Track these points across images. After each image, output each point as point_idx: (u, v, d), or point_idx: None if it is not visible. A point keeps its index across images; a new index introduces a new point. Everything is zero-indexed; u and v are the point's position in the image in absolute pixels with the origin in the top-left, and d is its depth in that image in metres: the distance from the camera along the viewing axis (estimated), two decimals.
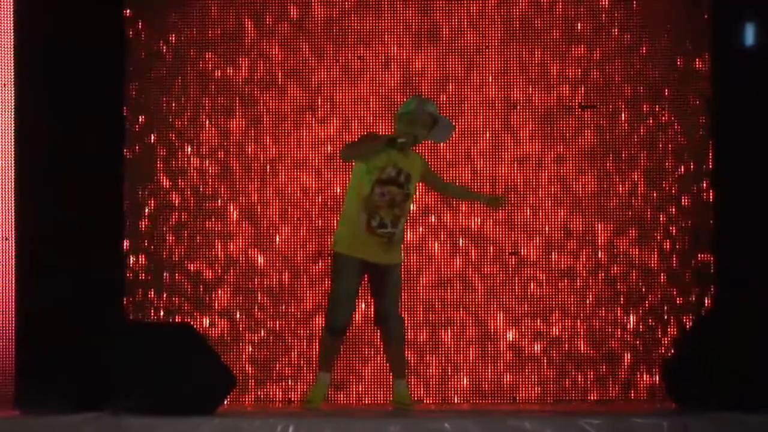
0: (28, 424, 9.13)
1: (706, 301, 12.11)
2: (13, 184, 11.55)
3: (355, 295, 9.44)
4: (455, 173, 12.14)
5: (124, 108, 12.43)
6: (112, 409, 8.67)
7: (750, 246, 11.65)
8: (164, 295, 12.30)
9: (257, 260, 12.39)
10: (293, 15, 12.59)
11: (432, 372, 12.00)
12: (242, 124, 12.49)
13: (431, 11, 12.60)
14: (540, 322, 12.20)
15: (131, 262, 12.30)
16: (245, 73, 12.59)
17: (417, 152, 9.64)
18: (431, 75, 12.54)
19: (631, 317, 12.16)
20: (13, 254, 11.49)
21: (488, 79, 12.53)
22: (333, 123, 12.28)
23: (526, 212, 12.37)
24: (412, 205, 9.77)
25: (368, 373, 11.74)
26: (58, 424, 8.54)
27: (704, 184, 12.24)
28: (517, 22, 12.55)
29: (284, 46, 12.62)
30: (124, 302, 12.19)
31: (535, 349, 12.10)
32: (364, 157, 9.21)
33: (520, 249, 12.23)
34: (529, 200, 12.39)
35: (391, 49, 12.55)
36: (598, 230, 12.36)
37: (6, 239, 11.47)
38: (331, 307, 9.36)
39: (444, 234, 12.29)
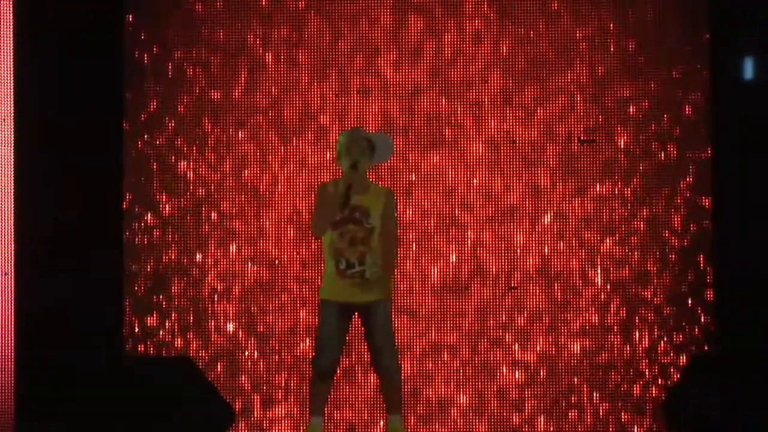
0: None
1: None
2: (12, 185, 11.63)
3: (337, 340, 9.27)
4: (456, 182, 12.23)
5: (123, 109, 12.38)
6: None
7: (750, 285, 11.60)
8: (164, 302, 12.15)
9: (255, 270, 12.24)
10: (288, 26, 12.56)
11: (426, 407, 12.02)
12: (238, 125, 12.46)
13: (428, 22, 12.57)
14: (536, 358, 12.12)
15: (130, 263, 12.18)
16: (243, 78, 12.54)
17: (380, 186, 9.74)
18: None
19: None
20: (13, 256, 11.56)
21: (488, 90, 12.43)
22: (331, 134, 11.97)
23: (522, 233, 12.33)
24: (380, 237, 9.31)
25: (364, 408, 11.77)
26: None
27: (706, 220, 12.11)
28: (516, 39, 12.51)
29: (280, 56, 12.59)
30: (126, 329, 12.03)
31: (527, 390, 12.07)
32: (324, 227, 9.14)
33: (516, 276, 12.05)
34: (524, 220, 12.32)
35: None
36: (597, 263, 12.21)
37: (6, 274, 11.44)
38: (316, 351, 9.38)
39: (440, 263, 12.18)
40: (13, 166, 11.69)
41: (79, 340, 11.59)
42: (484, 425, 12.05)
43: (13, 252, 11.52)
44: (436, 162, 12.28)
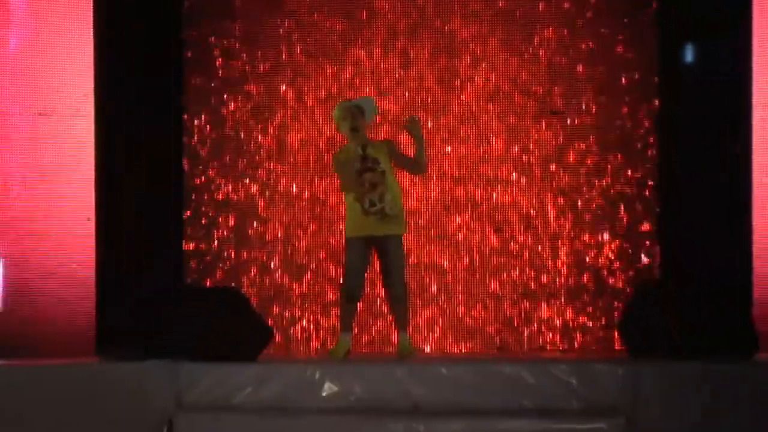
0: (106, 369, 9.97)
1: (652, 266, 13.22)
2: (94, 180, 12.49)
3: (363, 269, 10.80)
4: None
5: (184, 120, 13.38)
6: (174, 357, 9.72)
7: (690, 219, 12.62)
8: (217, 264, 13.49)
9: (291, 237, 13.52)
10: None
11: (430, 324, 13.21)
12: (284, 125, 13.48)
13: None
14: (520, 288, 13.38)
15: (189, 235, 13.40)
16: (288, 83, 13.49)
17: (382, 139, 11.49)
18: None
19: (595, 282, 13.30)
20: (94, 232, 12.42)
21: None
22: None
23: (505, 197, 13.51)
24: (393, 177, 10.82)
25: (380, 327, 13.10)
26: (131, 369, 9.60)
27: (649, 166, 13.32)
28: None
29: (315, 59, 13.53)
30: (184, 269, 13.16)
31: (515, 307, 13.33)
32: (353, 183, 10.56)
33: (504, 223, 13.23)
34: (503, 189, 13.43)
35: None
36: (562, 205, 13.41)
37: (88, 219, 12.29)
38: (345, 279, 10.77)
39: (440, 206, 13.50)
40: (94, 167, 12.38)
41: (147, 270, 12.56)
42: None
43: (94, 200, 12.40)
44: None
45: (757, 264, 11.95)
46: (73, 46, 12.33)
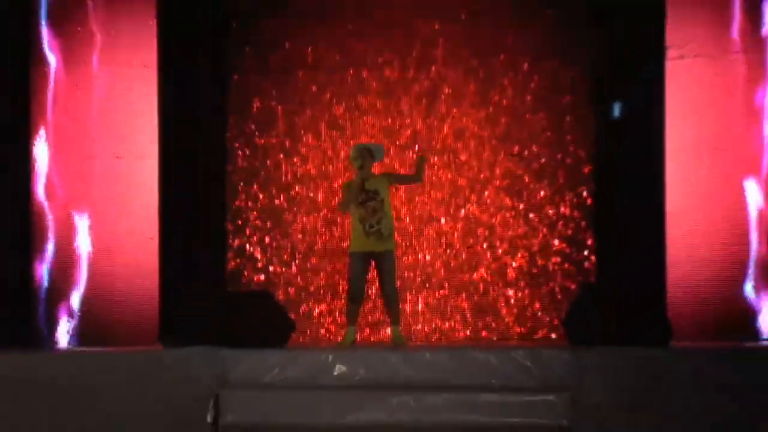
0: (166, 354, 10.04)
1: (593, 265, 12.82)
2: (157, 208, 12.21)
3: (364, 277, 10.85)
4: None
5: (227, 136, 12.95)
6: (218, 345, 9.63)
7: (619, 235, 12.19)
8: (251, 273, 13.03)
9: (309, 251, 13.07)
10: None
11: (419, 320, 12.83)
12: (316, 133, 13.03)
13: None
14: (487, 286, 12.85)
15: (231, 249, 13.05)
16: (307, 125, 13.07)
17: (380, 173, 11.09)
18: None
19: (546, 282, 12.86)
20: (157, 249, 12.20)
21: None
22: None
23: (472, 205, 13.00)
24: (388, 205, 10.82)
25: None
26: (185, 354, 9.54)
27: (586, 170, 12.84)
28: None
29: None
30: (226, 277, 12.92)
31: (484, 301, 12.83)
32: (347, 206, 10.70)
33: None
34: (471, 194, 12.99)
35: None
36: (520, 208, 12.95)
37: (151, 238, 12.22)
38: (349, 285, 10.85)
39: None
40: (157, 157, 12.16)
41: (197, 278, 12.24)
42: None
43: (157, 223, 12.23)
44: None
45: (670, 272, 11.83)
46: (141, 103, 11.98)
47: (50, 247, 11.85)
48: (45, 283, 11.89)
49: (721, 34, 11.73)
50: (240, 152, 12.94)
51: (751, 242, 11.47)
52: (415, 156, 11.25)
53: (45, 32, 11.79)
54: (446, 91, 12.90)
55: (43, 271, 11.86)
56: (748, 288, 11.49)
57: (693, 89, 11.81)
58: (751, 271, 11.48)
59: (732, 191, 11.65)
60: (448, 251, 12.85)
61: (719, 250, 11.65)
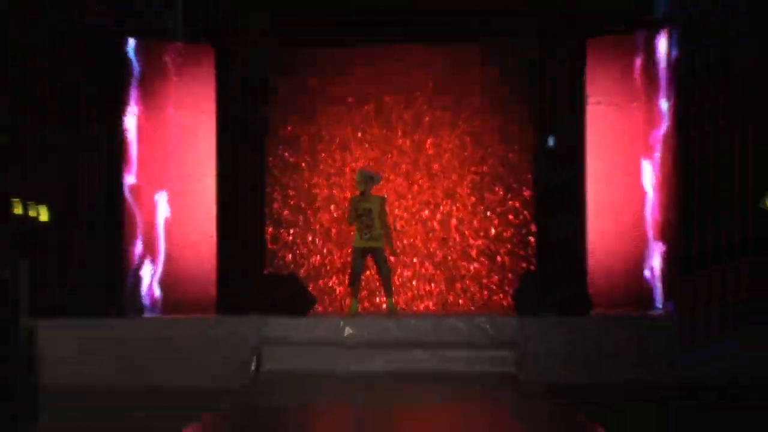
0: (222, 320, 10.12)
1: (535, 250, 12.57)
2: (215, 212, 12.19)
3: (361, 265, 10.67)
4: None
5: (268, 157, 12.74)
6: (257, 314, 9.83)
7: (548, 227, 12.38)
8: (285, 258, 12.76)
9: (327, 243, 12.79)
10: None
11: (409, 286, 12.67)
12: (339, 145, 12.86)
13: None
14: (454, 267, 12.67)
15: (270, 233, 12.77)
16: (329, 153, 12.83)
17: (376, 195, 10.70)
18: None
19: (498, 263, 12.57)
20: (215, 244, 12.27)
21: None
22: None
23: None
24: (378, 221, 10.45)
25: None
26: (237, 320, 9.71)
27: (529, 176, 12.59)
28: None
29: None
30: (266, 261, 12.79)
31: (452, 277, 12.65)
32: (352, 221, 10.43)
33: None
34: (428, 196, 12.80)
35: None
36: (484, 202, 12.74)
37: (211, 236, 12.30)
38: (351, 271, 10.69)
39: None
40: (214, 175, 12.21)
41: (244, 262, 12.40)
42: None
43: (215, 224, 12.25)
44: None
45: (589, 260, 11.91)
46: (202, 137, 12.16)
47: (138, 244, 11.86)
48: (135, 267, 11.86)
49: (627, 86, 11.81)
50: (275, 168, 12.83)
51: (649, 240, 11.58)
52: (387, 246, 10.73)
53: (134, 90, 11.80)
54: (426, 121, 12.81)
55: (133, 260, 11.87)
56: (647, 272, 11.62)
57: (607, 128, 11.95)
58: (649, 260, 11.61)
59: (635, 203, 11.72)
60: (429, 235, 12.76)
61: (626, 245, 11.74)
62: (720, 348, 9.15)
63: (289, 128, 12.86)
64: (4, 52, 10.27)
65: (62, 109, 11.10)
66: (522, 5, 11.95)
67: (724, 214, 10.49)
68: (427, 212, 12.83)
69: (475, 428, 6.02)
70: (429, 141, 12.81)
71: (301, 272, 12.50)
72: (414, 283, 12.72)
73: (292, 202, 12.87)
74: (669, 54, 11.41)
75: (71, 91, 11.26)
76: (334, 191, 12.81)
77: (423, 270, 12.78)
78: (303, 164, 12.88)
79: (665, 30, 11.44)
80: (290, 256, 12.87)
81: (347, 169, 12.72)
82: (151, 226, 11.87)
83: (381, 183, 11.14)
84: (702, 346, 9.21)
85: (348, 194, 12.35)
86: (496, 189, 12.72)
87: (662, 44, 11.50)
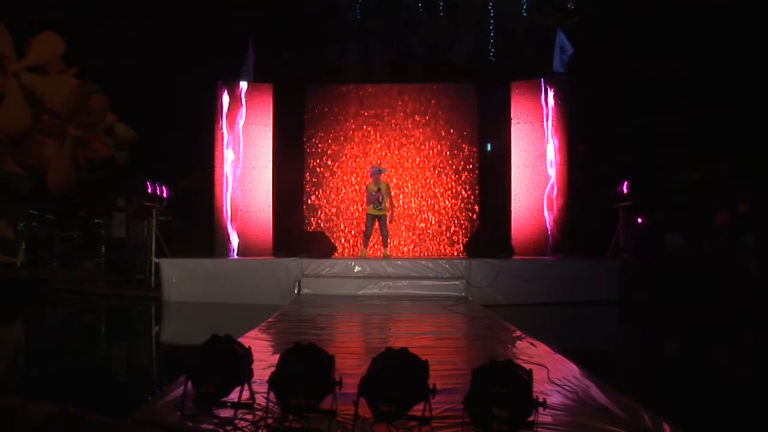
0: (276, 261, 9.76)
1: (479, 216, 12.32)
2: (271, 193, 12.02)
3: (371, 227, 10.53)
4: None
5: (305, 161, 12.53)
6: (298, 257, 9.65)
7: (490, 205, 12.20)
8: (318, 216, 12.48)
9: (347, 209, 12.53)
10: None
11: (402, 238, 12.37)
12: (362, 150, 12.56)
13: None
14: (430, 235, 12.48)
15: (307, 204, 12.46)
16: (352, 154, 12.55)
17: (383, 182, 10.45)
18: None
19: (454, 231, 12.41)
20: (271, 214, 12.08)
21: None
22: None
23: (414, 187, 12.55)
24: (387, 197, 10.37)
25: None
26: (286, 261, 9.54)
27: (477, 172, 12.35)
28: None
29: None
30: (304, 220, 12.48)
31: (430, 240, 12.47)
32: (370, 198, 10.33)
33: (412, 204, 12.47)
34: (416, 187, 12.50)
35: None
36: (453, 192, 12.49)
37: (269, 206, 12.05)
38: (366, 230, 10.57)
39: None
40: (271, 167, 12.01)
41: (288, 219, 12.22)
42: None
43: (271, 201, 12.02)
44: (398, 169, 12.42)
45: (513, 223, 11.95)
46: (263, 142, 12.06)
47: (224, 211, 11.90)
48: (222, 225, 11.87)
49: (536, 112, 11.92)
50: (311, 164, 12.67)
51: (546, 212, 11.74)
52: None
53: (222, 113, 11.88)
54: (410, 136, 12.62)
55: (220, 220, 11.88)
56: (546, 232, 11.72)
57: (524, 140, 11.99)
58: (546, 224, 11.73)
59: (540, 187, 11.83)
60: (413, 205, 12.53)
61: (533, 215, 11.86)
62: None
63: (318, 135, 12.77)
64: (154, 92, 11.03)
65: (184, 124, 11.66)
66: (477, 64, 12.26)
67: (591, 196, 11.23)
68: (410, 189, 12.57)
69: (440, 323, 6.14)
70: (415, 144, 12.65)
71: (327, 230, 12.26)
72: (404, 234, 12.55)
73: (321, 184, 12.72)
74: (559, 92, 11.69)
75: (189, 113, 11.73)
76: (350, 180, 12.62)
77: (413, 228, 12.57)
78: (329, 161, 12.68)
79: (557, 77, 11.70)
80: (320, 219, 12.65)
81: (357, 169, 12.60)
82: (231, 199, 11.88)
83: (387, 173, 11.06)
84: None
85: (356, 181, 12.47)
86: (454, 177, 12.56)
87: (556, 85, 11.75)
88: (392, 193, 10.80)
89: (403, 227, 12.50)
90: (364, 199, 10.77)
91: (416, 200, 12.59)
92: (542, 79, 11.79)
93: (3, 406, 2.24)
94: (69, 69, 1.57)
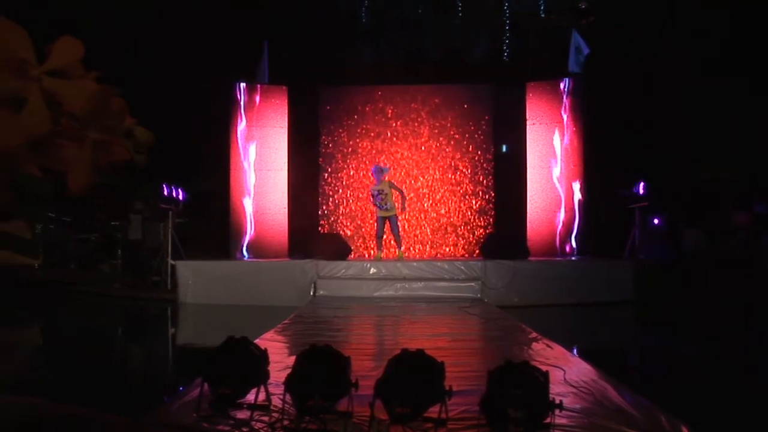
0: (293, 263, 9.83)
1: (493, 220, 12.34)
2: (287, 195, 11.92)
3: (382, 228, 10.40)
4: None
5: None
6: (314, 259, 9.64)
7: (505, 208, 12.21)
8: (333, 218, 12.53)
9: (364, 210, 12.51)
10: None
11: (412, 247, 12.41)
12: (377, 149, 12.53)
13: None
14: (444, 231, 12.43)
15: (321, 207, 12.48)
16: (369, 152, 12.56)
17: (386, 181, 10.23)
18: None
19: (474, 231, 12.38)
20: (287, 215, 11.98)
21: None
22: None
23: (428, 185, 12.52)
24: (392, 196, 10.17)
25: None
26: (301, 263, 9.59)
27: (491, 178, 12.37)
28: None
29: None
30: (319, 222, 12.52)
31: (447, 241, 12.43)
32: (374, 200, 10.19)
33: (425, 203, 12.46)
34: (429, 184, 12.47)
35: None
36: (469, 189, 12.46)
37: (284, 208, 11.95)
38: (376, 232, 10.49)
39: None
40: (286, 170, 11.94)
41: (302, 222, 12.22)
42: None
43: (287, 202, 11.95)
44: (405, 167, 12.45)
45: (529, 225, 11.82)
46: (278, 144, 12.01)
47: (239, 213, 11.85)
48: (236, 227, 11.81)
49: (551, 113, 11.83)
50: (324, 163, 12.71)
51: (562, 213, 11.63)
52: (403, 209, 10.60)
53: (239, 113, 11.87)
54: (424, 137, 12.62)
55: (236, 222, 11.83)
56: (562, 233, 11.64)
57: (540, 141, 11.91)
58: (560, 225, 11.65)
59: (555, 189, 11.73)
60: (427, 207, 12.54)
61: (550, 215, 11.76)
62: None
63: (333, 137, 12.80)
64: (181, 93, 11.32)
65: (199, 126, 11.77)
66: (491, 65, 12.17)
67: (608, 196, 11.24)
68: (425, 190, 12.56)
69: (455, 325, 6.16)
70: (428, 145, 12.65)
71: (341, 232, 12.29)
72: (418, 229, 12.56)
73: (335, 186, 12.73)
74: (575, 92, 11.61)
75: (204, 115, 11.86)
76: (361, 179, 12.60)
77: (428, 229, 12.57)
78: (344, 162, 12.70)
79: (572, 79, 11.60)
80: (335, 221, 12.65)
81: (364, 169, 12.58)
82: (246, 202, 11.84)
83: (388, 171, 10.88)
84: None
85: (371, 183, 12.36)
86: (469, 178, 12.55)
87: (571, 87, 11.66)
88: (400, 188, 10.65)
89: (418, 230, 12.52)
90: (371, 201, 10.68)
91: (431, 201, 12.55)
92: (558, 80, 11.73)
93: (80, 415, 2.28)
94: (88, 73, 1.59)
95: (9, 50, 1.45)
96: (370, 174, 11.02)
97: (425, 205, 12.57)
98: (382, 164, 11.27)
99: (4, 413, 2.15)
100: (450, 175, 12.58)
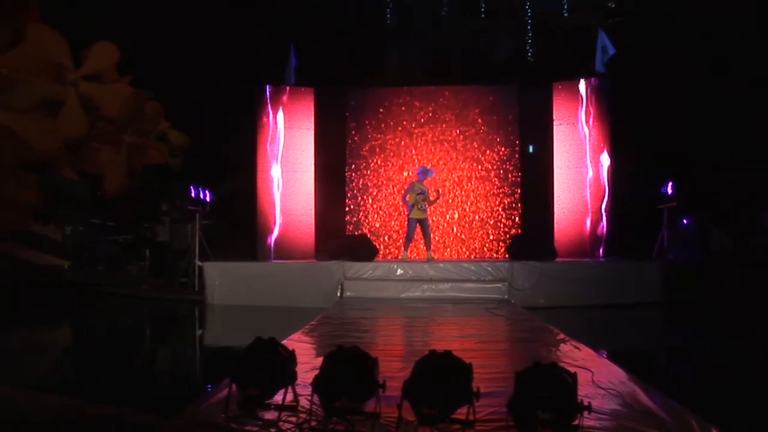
0: (319, 264, 9.92)
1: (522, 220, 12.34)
2: (313, 195, 11.86)
3: (413, 230, 10.33)
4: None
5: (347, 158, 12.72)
6: (341, 260, 9.72)
7: (531, 209, 12.18)
8: (359, 219, 12.61)
9: (390, 215, 12.59)
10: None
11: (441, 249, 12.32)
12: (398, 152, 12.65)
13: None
14: (474, 232, 12.44)
15: (349, 208, 12.58)
16: (396, 147, 12.64)
17: (427, 183, 10.23)
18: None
19: (503, 232, 12.39)
20: (313, 216, 11.85)
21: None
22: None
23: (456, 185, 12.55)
24: (430, 198, 10.12)
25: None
26: (328, 264, 9.65)
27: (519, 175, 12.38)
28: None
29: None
30: (344, 225, 12.63)
31: (475, 239, 12.42)
32: (413, 198, 10.04)
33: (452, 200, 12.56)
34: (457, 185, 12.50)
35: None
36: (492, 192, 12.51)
37: (311, 210, 12.02)
38: (407, 233, 10.39)
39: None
40: (313, 171, 11.91)
41: (329, 225, 12.23)
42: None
43: (313, 203, 11.89)
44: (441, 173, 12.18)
45: (556, 225, 11.74)
46: (305, 145, 11.97)
47: (266, 215, 11.84)
48: (264, 229, 11.82)
49: (577, 113, 11.72)
50: (351, 164, 12.83)
51: (589, 214, 11.53)
52: (437, 191, 10.53)
53: (268, 111, 11.89)
54: (450, 138, 12.67)
55: (263, 224, 11.82)
56: (590, 234, 11.53)
57: (567, 141, 11.84)
58: (589, 225, 11.54)
59: (582, 190, 11.64)
60: (455, 213, 12.58)
61: (577, 215, 11.67)
62: None
63: (359, 138, 12.89)
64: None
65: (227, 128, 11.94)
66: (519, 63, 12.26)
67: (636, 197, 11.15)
68: (452, 190, 12.59)
69: (482, 326, 6.16)
70: (455, 146, 12.69)
71: (368, 234, 12.32)
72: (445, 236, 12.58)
73: (362, 187, 12.81)
74: (601, 92, 11.53)
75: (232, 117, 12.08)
76: (392, 182, 12.68)
77: (456, 227, 12.61)
78: (371, 163, 12.77)
79: (599, 78, 11.52)
80: (362, 222, 12.72)
81: (393, 170, 12.67)
82: (273, 203, 11.86)
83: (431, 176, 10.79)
84: None
85: (399, 182, 12.48)
86: (496, 178, 12.55)
87: (597, 87, 11.57)
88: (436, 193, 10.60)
89: (445, 225, 12.55)
90: (404, 200, 10.57)
91: (458, 202, 12.59)
92: (585, 80, 11.66)
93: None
94: (122, 77, 1.62)
95: (47, 56, 1.47)
96: (414, 172, 11.13)
97: (453, 204, 12.62)
98: (429, 166, 11.26)
99: (41, 411, 2.20)
100: (478, 175, 12.59)
